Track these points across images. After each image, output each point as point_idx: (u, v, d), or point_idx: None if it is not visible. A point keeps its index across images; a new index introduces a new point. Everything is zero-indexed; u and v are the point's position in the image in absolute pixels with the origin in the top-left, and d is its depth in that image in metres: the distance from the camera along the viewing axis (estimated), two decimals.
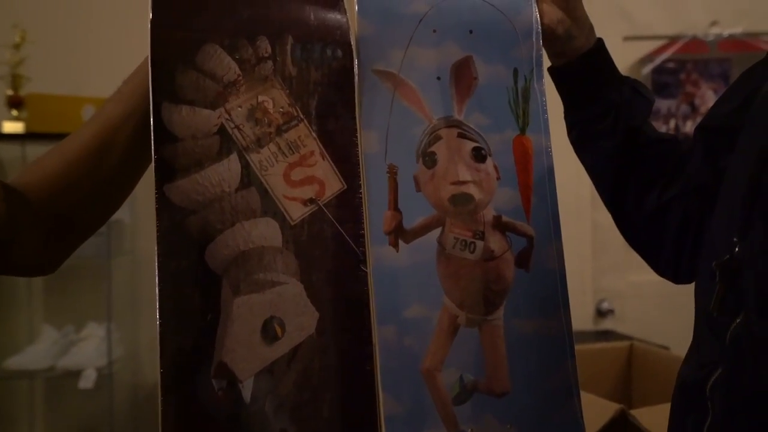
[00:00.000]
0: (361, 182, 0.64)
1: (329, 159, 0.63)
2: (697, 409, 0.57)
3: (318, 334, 0.60)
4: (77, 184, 0.65)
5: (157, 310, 0.57)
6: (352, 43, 0.65)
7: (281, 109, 0.62)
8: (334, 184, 0.63)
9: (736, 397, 0.54)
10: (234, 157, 0.60)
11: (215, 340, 0.58)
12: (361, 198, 0.64)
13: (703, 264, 0.60)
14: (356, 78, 0.65)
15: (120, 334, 1.92)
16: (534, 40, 0.71)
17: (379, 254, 0.65)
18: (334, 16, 0.64)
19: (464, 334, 0.67)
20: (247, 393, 0.58)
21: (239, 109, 0.60)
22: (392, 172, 0.67)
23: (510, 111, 0.71)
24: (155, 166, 0.59)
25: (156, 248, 0.58)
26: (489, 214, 0.69)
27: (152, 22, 0.59)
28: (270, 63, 0.62)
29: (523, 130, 0.71)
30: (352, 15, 0.66)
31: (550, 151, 0.71)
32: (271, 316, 0.59)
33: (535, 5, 0.71)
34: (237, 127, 0.60)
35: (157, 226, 0.59)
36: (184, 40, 0.60)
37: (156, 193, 0.59)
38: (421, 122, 0.68)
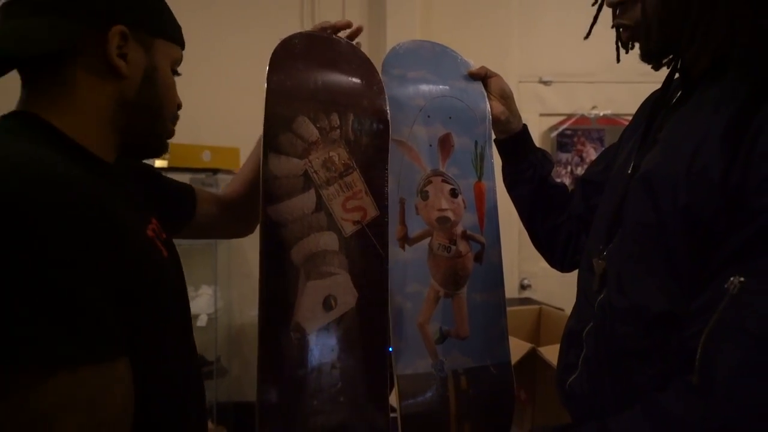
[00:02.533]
0: (387, 212, 0.97)
1: (370, 195, 0.95)
2: (577, 346, 0.84)
3: (357, 306, 0.92)
4: (248, 193, 1.09)
5: (259, 289, 0.86)
6: (389, 119, 0.97)
7: (343, 161, 0.93)
8: (372, 212, 0.95)
9: (599, 339, 0.79)
10: (312, 191, 0.91)
11: (294, 307, 0.89)
12: (387, 221, 0.96)
13: (584, 261, 0.88)
14: (389, 142, 0.97)
15: (221, 293, 2.87)
16: (487, 123, 1.12)
17: (393, 252, 1.00)
18: (380, 102, 0.97)
19: (442, 302, 1.03)
20: (311, 341, 0.89)
21: (317, 160, 0.91)
22: (402, 202, 1.04)
23: (472, 166, 1.10)
24: (262, 194, 0.88)
25: (259, 247, 0.87)
26: (459, 229, 1.05)
27: (267, 99, 0.88)
28: (338, 131, 0.93)
29: (479, 178, 1.09)
30: None
31: (495, 191, 1.12)
32: (329, 294, 0.91)
33: (488, 103, 1.13)
34: (315, 171, 0.91)
35: (261, 233, 0.88)
36: (286, 112, 0.90)
37: (262, 212, 0.88)
38: (419, 172, 1.05)
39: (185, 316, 0.84)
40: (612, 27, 0.82)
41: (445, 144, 1.07)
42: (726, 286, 0.60)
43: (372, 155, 0.96)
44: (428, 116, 1.06)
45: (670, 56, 0.79)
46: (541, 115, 3.38)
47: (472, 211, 1.07)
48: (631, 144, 0.87)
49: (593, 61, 3.32)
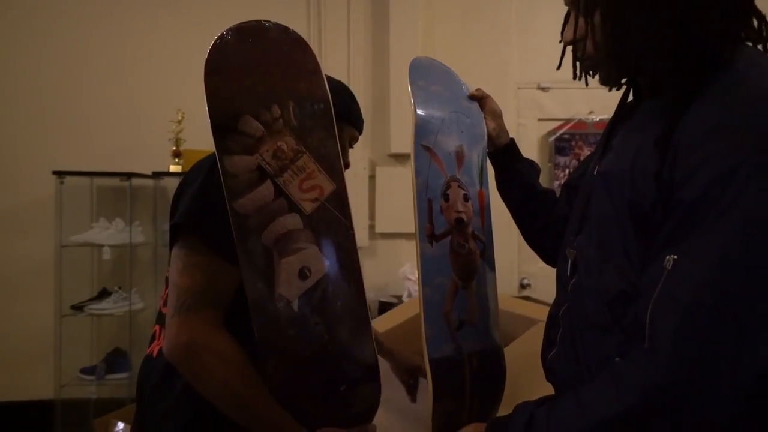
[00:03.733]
0: (344, 182, 1.03)
1: (324, 172, 1.02)
2: (555, 326, 0.98)
3: (329, 273, 1.04)
4: None
5: (242, 269, 1.00)
6: (330, 98, 1.01)
7: (292, 148, 1.00)
8: (328, 186, 1.03)
9: (572, 318, 0.92)
10: (268, 181, 1.00)
11: (274, 281, 1.02)
12: (345, 190, 1.03)
13: (560, 252, 1.02)
14: (334, 118, 1.01)
15: None
16: (485, 140, 1.26)
17: (424, 247, 1.11)
18: (318, 83, 1.00)
19: (460, 293, 1.15)
20: (295, 306, 1.03)
21: (267, 152, 0.99)
22: (429, 202, 1.13)
23: (477, 176, 1.21)
24: (226, 192, 0.99)
25: (234, 237, 1.00)
26: (470, 230, 1.17)
27: (208, 105, 0.96)
28: (281, 120, 0.99)
29: (480, 186, 1.22)
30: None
31: (489, 197, 1.24)
32: (303, 266, 1.03)
33: (484, 121, 1.26)
34: (267, 163, 1.00)
35: (233, 226, 1.00)
36: (228, 114, 0.97)
37: (229, 207, 0.99)
38: (443, 176, 1.16)
39: None
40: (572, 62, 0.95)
41: (459, 154, 1.19)
42: (663, 264, 0.73)
43: (320, 135, 1.01)
44: (448, 127, 1.19)
45: (626, 79, 0.92)
46: (540, 120, 3.56)
47: (477, 215, 1.20)
48: (598, 150, 1.02)
49: None
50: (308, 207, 1.02)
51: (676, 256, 0.71)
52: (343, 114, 1.15)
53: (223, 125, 0.97)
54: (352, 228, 1.05)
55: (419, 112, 1.15)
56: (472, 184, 1.20)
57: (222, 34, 0.97)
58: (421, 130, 1.15)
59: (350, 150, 1.26)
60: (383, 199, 3.45)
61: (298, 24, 3.27)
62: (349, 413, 1.07)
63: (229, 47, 0.96)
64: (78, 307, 3.05)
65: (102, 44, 3.29)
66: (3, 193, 3.21)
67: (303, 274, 1.03)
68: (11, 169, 3.23)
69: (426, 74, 1.21)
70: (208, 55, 0.95)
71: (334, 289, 1.04)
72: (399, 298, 3.19)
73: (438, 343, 1.10)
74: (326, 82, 1.01)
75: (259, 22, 0.99)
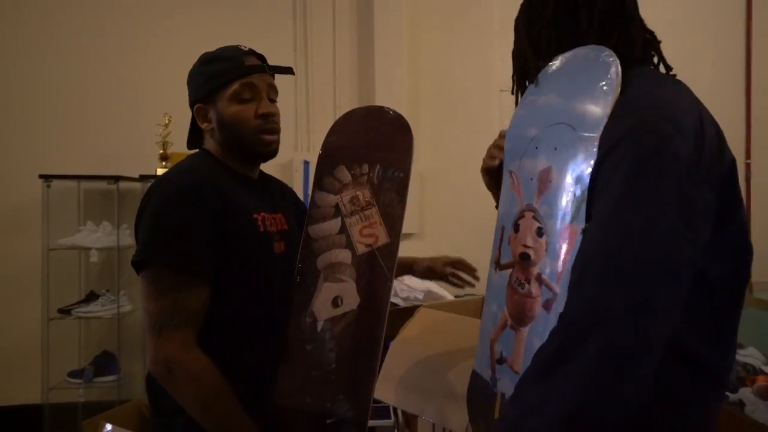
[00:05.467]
0: (399, 241, 1.23)
1: (384, 226, 1.25)
2: None
3: (358, 309, 1.21)
4: None
5: (296, 283, 1.22)
6: (411, 168, 1.26)
7: (366, 199, 1.24)
8: (383, 239, 1.24)
9: None
10: (339, 218, 1.24)
11: (311, 300, 1.22)
12: (397, 249, 1.23)
13: None
14: (408, 187, 1.25)
15: None
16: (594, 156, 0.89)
17: (491, 272, 1.05)
18: (405, 158, 1.26)
19: (507, 332, 1.01)
20: (319, 326, 1.21)
21: (347, 196, 1.24)
22: (502, 230, 1.04)
23: (571, 206, 0.89)
24: (307, 217, 1.25)
25: (298, 255, 1.23)
26: (536, 270, 0.94)
27: (321, 152, 1.29)
28: (366, 176, 1.25)
29: (572, 221, 0.89)
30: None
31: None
32: (337, 296, 1.22)
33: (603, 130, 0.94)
34: (344, 205, 1.24)
35: (301, 244, 1.24)
36: (331, 162, 1.26)
37: (305, 230, 1.24)
38: (518, 204, 1.00)
39: (267, 274, 1.21)
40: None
41: (543, 178, 0.95)
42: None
43: (392, 197, 1.25)
44: (536, 147, 0.98)
45: None
46: None
47: (554, 257, 0.91)
48: None
49: None
50: (360, 249, 1.23)
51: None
52: (208, 93, 1.25)
53: (324, 167, 1.26)
54: (391, 280, 1.23)
55: (510, 136, 1.06)
56: (554, 217, 0.92)
57: (353, 110, 1.31)
58: (509, 155, 1.05)
59: (275, 102, 1.31)
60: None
61: (284, 32, 3.44)
62: None
63: (353, 116, 1.29)
64: (66, 311, 3.01)
65: (89, 48, 3.31)
66: None
67: (336, 302, 1.21)
68: None
69: (551, 80, 1.00)
70: (337, 119, 1.30)
71: (356, 327, 1.21)
72: None
73: (481, 361, 1.10)
74: (411, 159, 1.26)
75: (382, 107, 1.30)
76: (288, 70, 1.27)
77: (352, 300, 1.20)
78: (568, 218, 0.90)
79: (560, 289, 0.89)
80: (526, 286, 0.97)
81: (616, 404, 0.75)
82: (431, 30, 3.54)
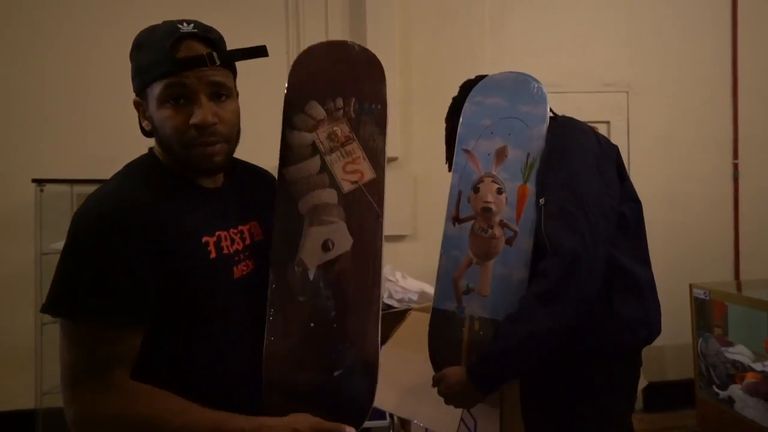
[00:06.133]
0: (384, 175, 1.17)
1: (368, 160, 1.17)
2: None
3: (351, 251, 1.14)
4: None
5: (273, 232, 1.12)
6: (387, 104, 1.18)
7: (345, 134, 1.16)
8: (369, 174, 1.17)
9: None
10: (317, 157, 1.15)
11: (299, 247, 1.13)
12: (383, 183, 1.16)
13: None
14: (387, 120, 1.18)
15: None
16: (541, 141, 1.43)
17: (447, 226, 1.47)
18: (380, 90, 1.18)
19: (473, 267, 1.42)
20: (311, 275, 1.12)
21: (323, 133, 1.15)
22: (459, 193, 1.47)
23: (521, 173, 1.42)
24: (280, 160, 1.14)
25: (274, 200, 1.13)
26: (497, 218, 1.42)
27: (287, 89, 1.15)
28: (341, 111, 1.17)
29: (525, 182, 1.42)
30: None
31: (535, 194, 1.40)
32: (328, 239, 1.14)
33: (545, 123, 1.48)
34: (321, 142, 1.15)
35: (276, 190, 1.14)
36: (300, 98, 1.16)
37: (278, 173, 1.14)
38: (476, 173, 1.47)
39: (223, 304, 1.05)
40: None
41: (500, 154, 1.45)
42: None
43: (372, 130, 1.17)
44: (491, 132, 1.47)
45: None
46: None
47: (512, 207, 1.40)
48: None
49: (559, 72, 3.51)
50: (346, 187, 1.15)
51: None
52: (141, 82, 1.03)
53: (293, 105, 1.15)
54: (382, 216, 1.16)
55: (464, 125, 1.50)
56: (511, 180, 1.42)
57: (313, 45, 1.20)
58: (463, 138, 1.49)
59: (232, 98, 1.06)
60: None
61: (276, 30, 3.45)
62: (337, 405, 1.08)
63: (316, 51, 1.19)
64: None
65: (82, 52, 3.30)
66: None
67: (326, 245, 1.13)
68: None
69: (490, 88, 1.52)
70: (298, 55, 1.18)
71: (352, 269, 1.12)
72: None
73: (443, 298, 1.45)
74: (386, 92, 1.19)
75: (345, 41, 1.21)
76: (256, 52, 1.04)
77: (344, 241, 1.13)
78: (521, 180, 1.41)
79: (519, 229, 1.40)
80: (489, 230, 1.41)
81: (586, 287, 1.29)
82: (422, 33, 3.58)
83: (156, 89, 0.99)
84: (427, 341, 1.47)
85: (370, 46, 3.54)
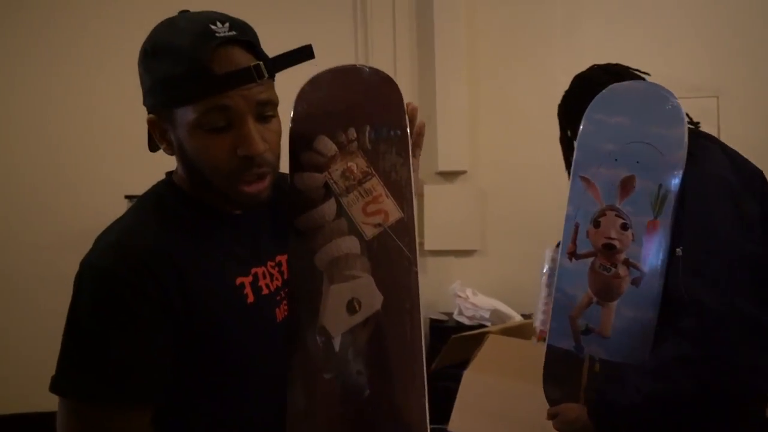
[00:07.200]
0: (414, 212, 0.96)
1: (392, 198, 0.96)
2: None
3: (383, 310, 0.92)
4: None
5: (287, 295, 0.94)
6: (408, 127, 0.99)
7: (362, 170, 0.97)
8: (395, 214, 0.96)
9: None
10: (332, 200, 0.96)
11: (319, 310, 0.92)
12: (413, 222, 0.95)
13: None
14: (410, 146, 0.98)
15: None
16: (678, 170, 1.25)
17: (563, 261, 1.34)
18: (397, 111, 0.99)
19: (593, 307, 1.31)
20: (336, 345, 0.91)
21: (336, 171, 0.97)
22: (576, 225, 1.33)
23: (650, 206, 1.26)
24: (288, 209, 0.96)
25: (287, 256, 0.96)
26: (622, 256, 1.28)
27: (291, 127, 0.98)
28: (355, 143, 0.98)
29: (655, 217, 1.26)
30: None
31: (669, 229, 1.24)
32: (353, 298, 0.92)
33: (683, 149, 1.25)
34: (335, 182, 0.97)
35: (289, 242, 0.96)
36: (306, 135, 0.98)
37: (287, 224, 0.96)
38: (596, 205, 1.32)
39: (272, 355, 0.91)
40: None
41: (626, 185, 1.28)
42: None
43: (392, 159, 0.98)
44: (615, 159, 1.29)
45: None
46: None
47: (640, 244, 1.26)
48: None
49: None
50: (369, 231, 0.94)
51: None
52: (168, 98, 0.83)
53: (299, 143, 0.97)
54: (416, 264, 0.93)
55: (581, 147, 1.34)
56: (638, 214, 1.26)
57: (318, 74, 1.01)
58: (580, 163, 1.34)
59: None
60: (432, 216, 3.33)
61: (344, 47, 3.39)
62: None
63: (321, 80, 1.01)
64: None
65: None
66: (78, 215, 3.29)
67: (352, 306, 0.91)
68: (85, 193, 3.38)
69: (612, 104, 1.31)
70: (302, 88, 0.99)
71: (386, 333, 0.91)
72: (449, 315, 3.14)
73: (558, 335, 1.35)
74: (407, 115, 0.99)
75: (354, 65, 1.03)
76: (303, 54, 0.86)
77: (372, 299, 0.92)
78: (650, 215, 1.24)
79: (646, 269, 1.25)
80: (612, 269, 1.27)
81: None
82: (490, 40, 3.50)
83: (189, 114, 0.81)
84: (541, 376, 1.40)
85: (438, 56, 3.44)
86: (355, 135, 0.97)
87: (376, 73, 1.02)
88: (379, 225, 0.95)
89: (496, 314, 2.79)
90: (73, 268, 0.85)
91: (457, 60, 3.37)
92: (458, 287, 3.07)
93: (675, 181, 1.23)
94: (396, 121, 0.98)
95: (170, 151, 0.88)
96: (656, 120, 1.26)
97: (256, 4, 3.31)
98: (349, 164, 0.96)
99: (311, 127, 0.98)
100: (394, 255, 0.94)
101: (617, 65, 1.50)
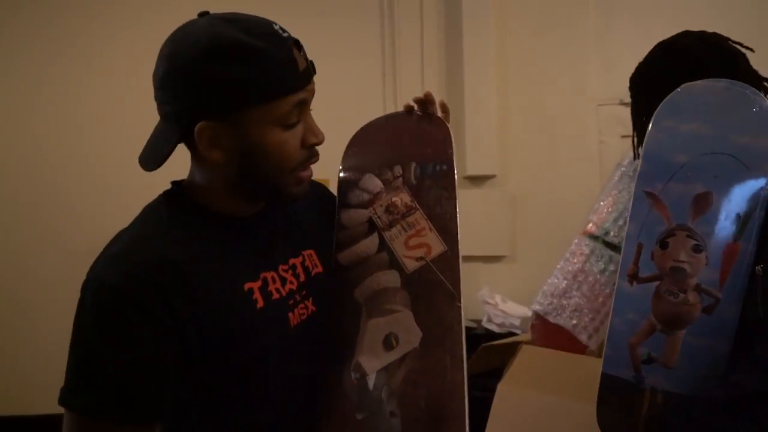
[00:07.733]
0: (458, 247, 0.92)
1: (435, 231, 0.93)
2: None
3: (420, 347, 0.86)
4: None
5: (327, 329, 0.92)
6: (453, 161, 0.97)
7: (405, 204, 0.96)
8: (438, 248, 0.92)
9: None
10: (375, 234, 0.95)
11: (353, 348, 0.88)
12: (458, 256, 0.91)
13: None
14: (455, 179, 0.96)
15: None
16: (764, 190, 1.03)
17: (622, 284, 1.13)
18: (444, 149, 0.99)
19: (657, 335, 1.12)
20: (371, 383, 0.85)
21: (380, 207, 0.97)
22: (639, 246, 1.13)
23: (731, 226, 1.07)
24: (335, 243, 0.96)
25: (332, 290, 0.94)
26: (693, 282, 1.10)
27: (341, 166, 1.03)
28: (401, 179, 0.98)
29: (735, 240, 1.07)
30: None
31: (752, 254, 1.06)
32: (390, 333, 0.88)
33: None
34: (378, 217, 0.96)
35: (332, 277, 0.95)
36: (354, 174, 1.01)
37: (332, 258, 0.96)
38: (663, 224, 1.11)
39: (286, 362, 0.88)
40: None
41: (700, 202, 1.10)
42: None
43: (437, 194, 0.96)
44: (688, 172, 1.11)
45: None
46: (623, 136, 3.11)
47: (715, 269, 1.09)
48: None
49: None
50: (410, 265, 0.91)
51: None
52: (235, 101, 0.80)
53: (347, 183, 1.00)
54: (459, 299, 0.88)
55: (647, 158, 1.16)
56: (715, 235, 1.09)
57: (368, 123, 1.06)
58: (646, 176, 1.15)
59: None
60: (460, 221, 3.21)
61: (371, 52, 3.29)
62: None
63: (373, 124, 1.06)
64: None
65: None
66: (85, 220, 3.10)
67: (389, 342, 0.87)
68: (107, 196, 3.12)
69: (685, 108, 1.13)
70: (354, 134, 1.05)
71: (423, 373, 0.85)
72: (478, 322, 3.01)
73: (615, 363, 1.20)
74: (453, 149, 0.98)
75: (405, 111, 1.05)
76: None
77: (411, 335, 0.87)
78: (730, 237, 1.07)
79: (722, 295, 1.07)
80: (681, 295, 1.11)
81: None
82: (520, 43, 3.36)
83: (275, 109, 0.81)
84: (581, 391, 1.25)
85: (466, 59, 3.37)
86: (401, 171, 0.98)
87: (428, 115, 1.03)
88: (422, 258, 0.92)
89: (526, 322, 2.58)
90: (74, 268, 0.84)
91: (486, 60, 3.24)
92: (487, 294, 2.99)
93: (762, 200, 1.03)
94: (443, 156, 0.97)
95: (222, 157, 0.83)
96: (740, 127, 1.07)
97: (284, 4, 3.23)
98: (394, 199, 0.96)
99: (359, 167, 1.01)
100: (436, 289, 0.90)
101: (714, 34, 1.28)
